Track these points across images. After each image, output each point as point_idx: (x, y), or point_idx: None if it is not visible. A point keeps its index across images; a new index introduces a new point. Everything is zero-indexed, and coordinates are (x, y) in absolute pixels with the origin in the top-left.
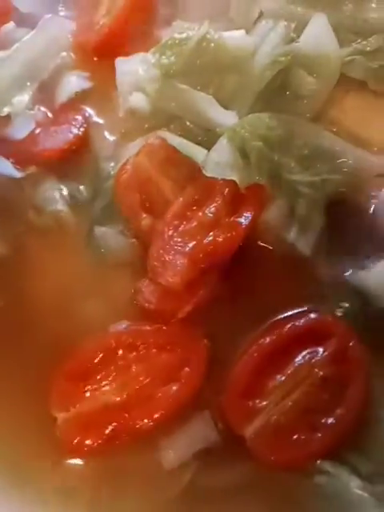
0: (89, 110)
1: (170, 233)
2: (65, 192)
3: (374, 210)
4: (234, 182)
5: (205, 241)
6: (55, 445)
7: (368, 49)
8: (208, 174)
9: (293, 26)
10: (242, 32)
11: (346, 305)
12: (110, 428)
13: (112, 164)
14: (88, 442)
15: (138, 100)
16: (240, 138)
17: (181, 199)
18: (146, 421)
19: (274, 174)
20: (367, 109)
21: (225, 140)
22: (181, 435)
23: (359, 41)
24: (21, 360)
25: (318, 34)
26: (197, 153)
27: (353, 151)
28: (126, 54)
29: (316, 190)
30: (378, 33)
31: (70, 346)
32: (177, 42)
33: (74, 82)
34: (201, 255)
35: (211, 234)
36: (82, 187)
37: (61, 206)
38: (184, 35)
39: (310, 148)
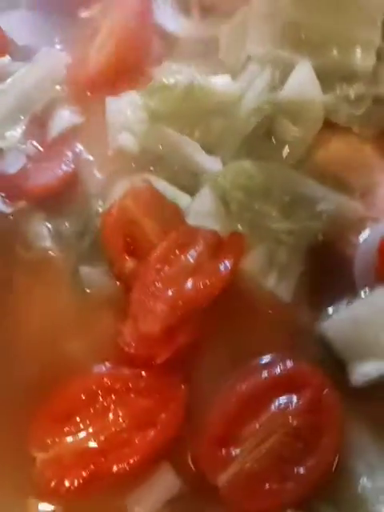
0: (79, 147)
1: (152, 277)
2: (53, 228)
3: (353, 257)
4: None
5: (185, 287)
6: (32, 484)
7: (352, 96)
8: (190, 223)
9: (278, 72)
10: (227, 77)
11: (320, 353)
12: (87, 471)
13: (100, 202)
14: (65, 484)
15: (126, 140)
16: (221, 188)
17: (164, 243)
18: (121, 465)
19: (255, 222)
20: (352, 152)
21: (207, 189)
22: (146, 489)
23: (344, 87)
24: (1, 395)
25: (303, 81)
26: (181, 198)
27: (334, 197)
28: (118, 91)
29: (296, 237)
30: (362, 79)
31: (52, 384)
32: (165, 86)
33: (66, 117)
34: (181, 302)
35: (192, 279)
36: (69, 224)
37: (48, 243)
38: (172, 80)
39: (291, 195)
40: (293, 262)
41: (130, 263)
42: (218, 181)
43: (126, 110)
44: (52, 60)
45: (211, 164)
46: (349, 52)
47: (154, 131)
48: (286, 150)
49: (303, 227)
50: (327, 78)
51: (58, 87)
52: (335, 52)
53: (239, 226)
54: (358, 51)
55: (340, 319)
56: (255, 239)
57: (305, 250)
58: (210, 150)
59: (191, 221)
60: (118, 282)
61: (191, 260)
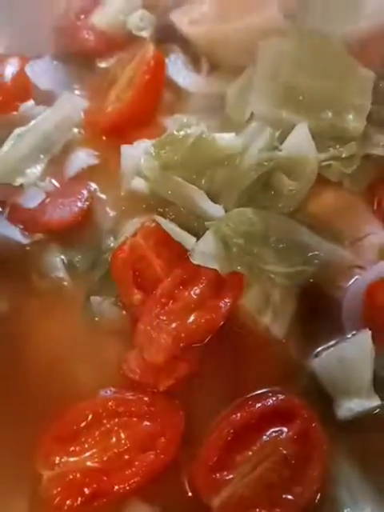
0: (94, 185)
1: (157, 310)
2: (66, 260)
3: (341, 301)
4: None
5: (188, 321)
6: (39, 501)
7: (344, 155)
8: (194, 262)
9: (278, 131)
10: (232, 134)
11: (310, 388)
12: (90, 489)
13: (111, 238)
14: (68, 502)
15: (139, 184)
16: (223, 233)
17: (170, 279)
18: (122, 485)
19: (253, 264)
20: (342, 204)
21: (210, 233)
22: None
23: (337, 146)
24: (9, 415)
25: (300, 140)
26: (187, 239)
27: (325, 245)
28: (131, 137)
29: (290, 280)
30: (354, 140)
31: (60, 405)
32: (176, 138)
33: (83, 158)
34: (183, 334)
35: (195, 314)
36: (82, 257)
37: (61, 273)
38: (182, 133)
39: (287, 242)
40: (286, 302)
41: (137, 295)
42: (221, 227)
43: (139, 156)
44: (71, 105)
45: (215, 210)
46: (342, 115)
47: (164, 178)
48: (282, 201)
49: (296, 271)
50: (322, 137)
51: (75, 130)
52: (330, 114)
53: (238, 267)
54: (351, 115)
55: (328, 358)
56: (253, 279)
57: (297, 292)
58: (214, 198)
59: (195, 260)
60: (124, 312)
61: (194, 296)
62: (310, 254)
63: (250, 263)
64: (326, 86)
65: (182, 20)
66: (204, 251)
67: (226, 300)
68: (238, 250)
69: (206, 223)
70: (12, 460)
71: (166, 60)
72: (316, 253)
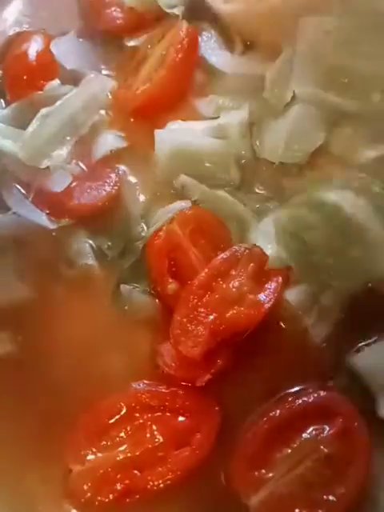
0: (123, 169)
1: (194, 302)
2: (95, 246)
3: None
4: (261, 257)
5: (227, 314)
6: (68, 495)
7: None
8: (252, 240)
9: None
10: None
11: (351, 385)
12: (122, 485)
13: (142, 224)
14: (99, 497)
15: (185, 180)
16: (283, 221)
17: (207, 270)
18: (156, 482)
19: (307, 260)
20: None
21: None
22: None
23: None
24: (38, 405)
25: None
26: (247, 216)
27: None
28: (161, 118)
29: (344, 281)
30: None
31: (89, 398)
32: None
33: (110, 141)
34: (222, 328)
35: (234, 308)
36: (112, 243)
37: (91, 261)
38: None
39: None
40: (334, 307)
41: (172, 285)
42: (280, 219)
43: (172, 140)
44: (98, 85)
45: None
46: None
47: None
48: None
49: (359, 279)
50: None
51: (102, 111)
52: (378, 97)
53: (291, 260)
54: None
55: (370, 354)
56: (303, 276)
57: (348, 299)
58: None
59: (251, 240)
60: (157, 301)
61: (233, 289)
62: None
63: (304, 258)
64: (371, 66)
65: None
66: (261, 235)
67: (269, 296)
68: (295, 241)
69: (262, 205)
70: (41, 454)
71: (199, 39)
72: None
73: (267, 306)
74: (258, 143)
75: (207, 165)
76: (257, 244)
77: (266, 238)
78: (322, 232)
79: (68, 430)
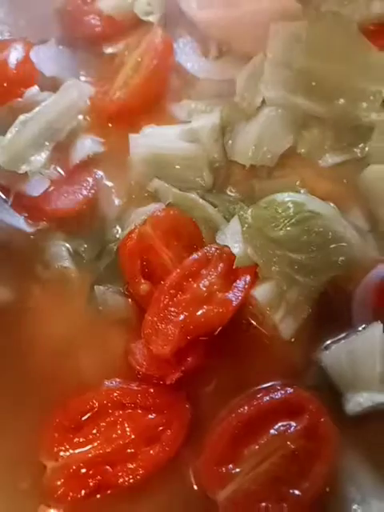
0: (100, 173)
1: (166, 301)
2: (71, 249)
3: (352, 294)
4: (230, 257)
5: (197, 313)
6: (42, 491)
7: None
8: (218, 242)
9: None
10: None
11: (318, 382)
12: (94, 481)
13: (117, 227)
14: (72, 493)
15: (158, 184)
16: (248, 221)
17: (178, 270)
18: (127, 478)
19: (273, 258)
20: None
21: (236, 220)
22: None
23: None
24: (14, 404)
25: None
26: (217, 218)
27: (354, 236)
28: (138, 123)
29: (311, 277)
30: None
31: (64, 396)
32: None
33: (88, 145)
34: (192, 327)
35: (204, 307)
36: (87, 246)
37: (67, 263)
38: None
39: (321, 230)
40: (301, 303)
41: (144, 285)
42: (246, 218)
43: (146, 145)
44: (77, 91)
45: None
46: (356, 103)
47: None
48: None
49: (324, 274)
50: (339, 130)
51: (80, 117)
52: (343, 102)
53: (257, 257)
54: (365, 103)
55: (337, 351)
56: (270, 272)
57: (315, 296)
58: None
59: (219, 240)
60: (130, 301)
61: (203, 288)
62: (336, 245)
63: (270, 256)
64: (339, 72)
65: (189, 4)
66: (229, 235)
67: (237, 294)
68: (261, 239)
69: (233, 207)
70: (15, 450)
71: (174, 45)
72: (343, 244)
73: (235, 303)
74: (229, 146)
75: (180, 168)
76: (225, 244)
77: (234, 238)
78: (287, 229)
79: (42, 426)
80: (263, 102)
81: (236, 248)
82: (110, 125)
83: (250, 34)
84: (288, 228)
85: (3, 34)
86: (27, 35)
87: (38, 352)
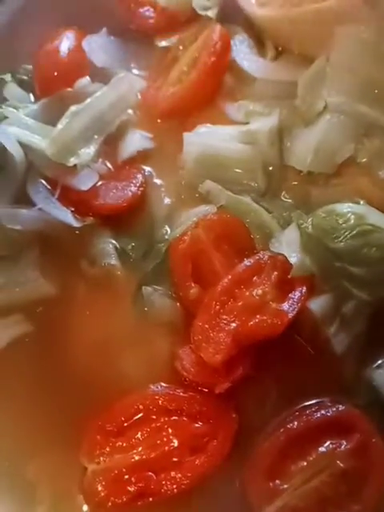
0: (148, 170)
1: (217, 308)
2: (118, 247)
3: None
4: (285, 265)
5: (250, 323)
6: (81, 492)
7: None
8: (273, 249)
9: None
10: None
11: (369, 400)
12: (136, 488)
13: (166, 226)
14: (113, 498)
15: (210, 186)
16: (308, 237)
17: (230, 276)
18: (170, 486)
19: (332, 270)
20: None
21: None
22: None
23: None
24: (56, 402)
25: None
26: (272, 224)
27: None
28: (188, 120)
29: (372, 294)
30: None
31: (106, 398)
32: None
33: (137, 141)
34: (244, 336)
35: (257, 317)
36: (135, 244)
37: (113, 261)
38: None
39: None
40: (357, 319)
41: (194, 289)
42: (305, 227)
43: (200, 143)
44: (128, 84)
45: None
46: None
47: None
48: None
49: (382, 290)
50: None
51: (130, 111)
52: None
53: (316, 268)
54: None
55: None
56: (328, 285)
57: (371, 311)
58: None
59: (273, 248)
60: (178, 305)
61: (256, 297)
62: None
63: (328, 268)
64: None
65: (249, 1)
66: (285, 243)
67: (293, 305)
68: (321, 249)
69: (288, 214)
70: (58, 451)
71: (232, 42)
72: None
73: (291, 315)
74: (286, 151)
75: (234, 170)
76: (281, 252)
77: (291, 247)
78: (348, 242)
79: (85, 427)
80: (325, 107)
81: (293, 257)
82: (159, 121)
83: (311, 34)
84: (349, 240)
85: (56, 22)
86: (79, 24)
87: (81, 351)
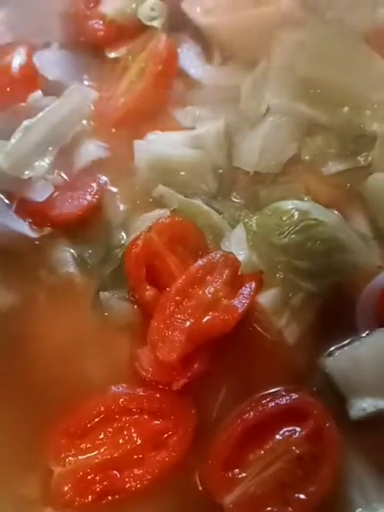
0: (104, 178)
1: (172, 308)
2: (76, 254)
3: (356, 300)
4: (235, 263)
5: (203, 320)
6: (49, 496)
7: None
8: (224, 248)
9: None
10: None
11: (322, 387)
12: (101, 486)
13: (122, 232)
14: (79, 498)
15: (163, 190)
16: (252, 228)
17: (184, 276)
18: (134, 483)
19: (277, 265)
20: None
21: (241, 226)
22: None
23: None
24: (20, 410)
25: None
26: (222, 225)
27: (359, 244)
28: (141, 129)
29: (315, 283)
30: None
31: (70, 401)
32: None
33: (92, 151)
34: (198, 334)
35: (210, 314)
36: (92, 251)
37: (72, 268)
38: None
39: (326, 240)
40: (306, 309)
41: (150, 292)
42: (251, 225)
43: (151, 150)
44: (80, 96)
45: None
46: (360, 111)
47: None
48: None
49: (328, 281)
50: (342, 138)
51: (84, 122)
52: (346, 110)
53: (262, 264)
54: (369, 111)
55: (341, 357)
56: (275, 279)
57: (319, 302)
58: None
59: (224, 247)
60: (135, 307)
61: (209, 295)
62: (339, 252)
63: (274, 263)
64: (343, 80)
65: (194, 9)
66: (234, 242)
67: (243, 301)
68: (266, 246)
69: (238, 213)
70: (23, 456)
71: (178, 50)
72: (347, 252)
73: (241, 310)
74: (234, 153)
75: (185, 174)
76: (231, 251)
77: (239, 245)
78: (292, 237)
79: (49, 432)
80: (268, 109)
81: (241, 255)
82: (113, 130)
83: (254, 39)
84: (292, 235)
85: (6, 38)
86: (30, 39)
87: (43, 357)
